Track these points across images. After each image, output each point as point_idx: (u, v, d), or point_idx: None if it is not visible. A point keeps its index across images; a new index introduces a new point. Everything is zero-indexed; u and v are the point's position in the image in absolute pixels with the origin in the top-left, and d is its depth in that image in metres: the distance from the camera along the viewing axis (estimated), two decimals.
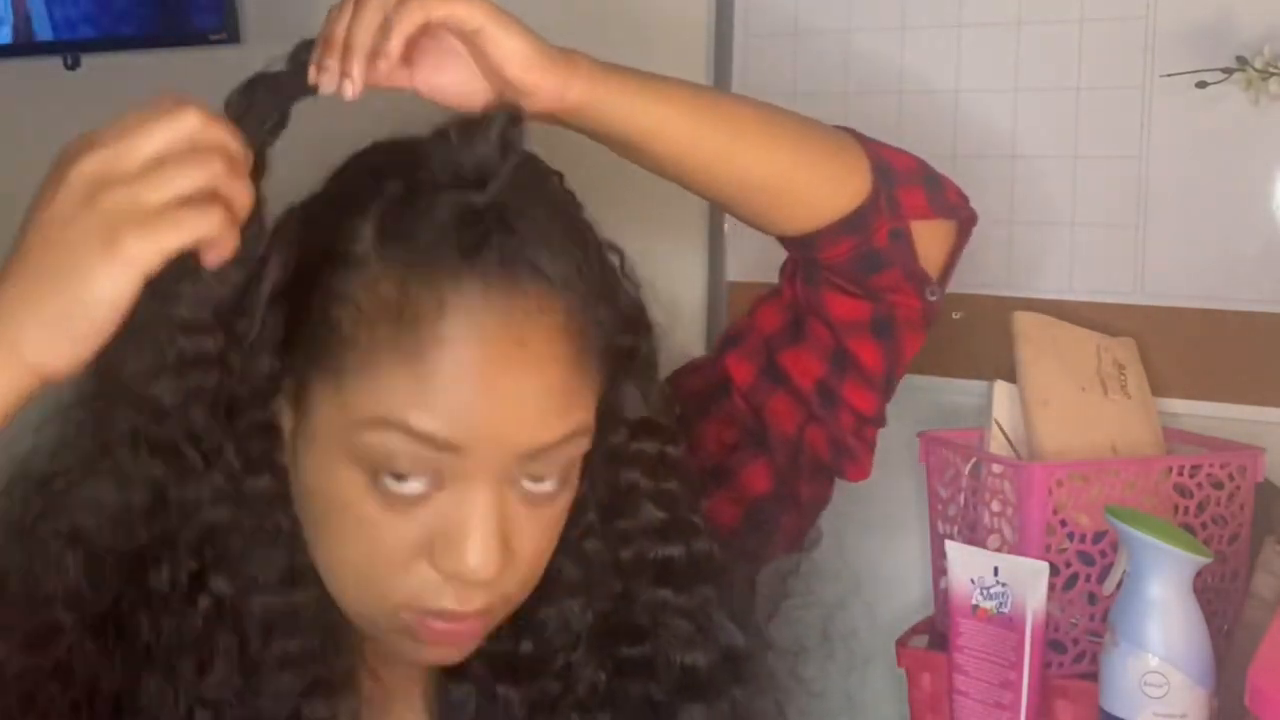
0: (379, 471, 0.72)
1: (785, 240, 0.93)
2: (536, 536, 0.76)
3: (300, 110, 0.77)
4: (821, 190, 0.87)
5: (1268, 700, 0.80)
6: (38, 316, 0.63)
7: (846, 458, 0.96)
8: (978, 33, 1.39)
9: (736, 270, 1.52)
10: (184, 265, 0.67)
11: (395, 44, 0.72)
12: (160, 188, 0.64)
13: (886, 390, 0.96)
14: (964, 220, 0.95)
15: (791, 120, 0.90)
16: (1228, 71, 1.24)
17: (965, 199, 0.95)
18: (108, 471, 0.74)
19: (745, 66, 1.51)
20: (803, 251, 0.92)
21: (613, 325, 0.78)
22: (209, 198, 0.66)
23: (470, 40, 0.75)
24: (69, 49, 1.94)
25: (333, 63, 0.73)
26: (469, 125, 0.72)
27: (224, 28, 1.79)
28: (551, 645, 0.82)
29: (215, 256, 0.67)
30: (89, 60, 1.95)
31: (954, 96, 1.40)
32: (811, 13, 1.47)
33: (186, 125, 0.66)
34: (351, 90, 0.73)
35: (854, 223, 0.88)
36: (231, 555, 0.75)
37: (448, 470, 0.72)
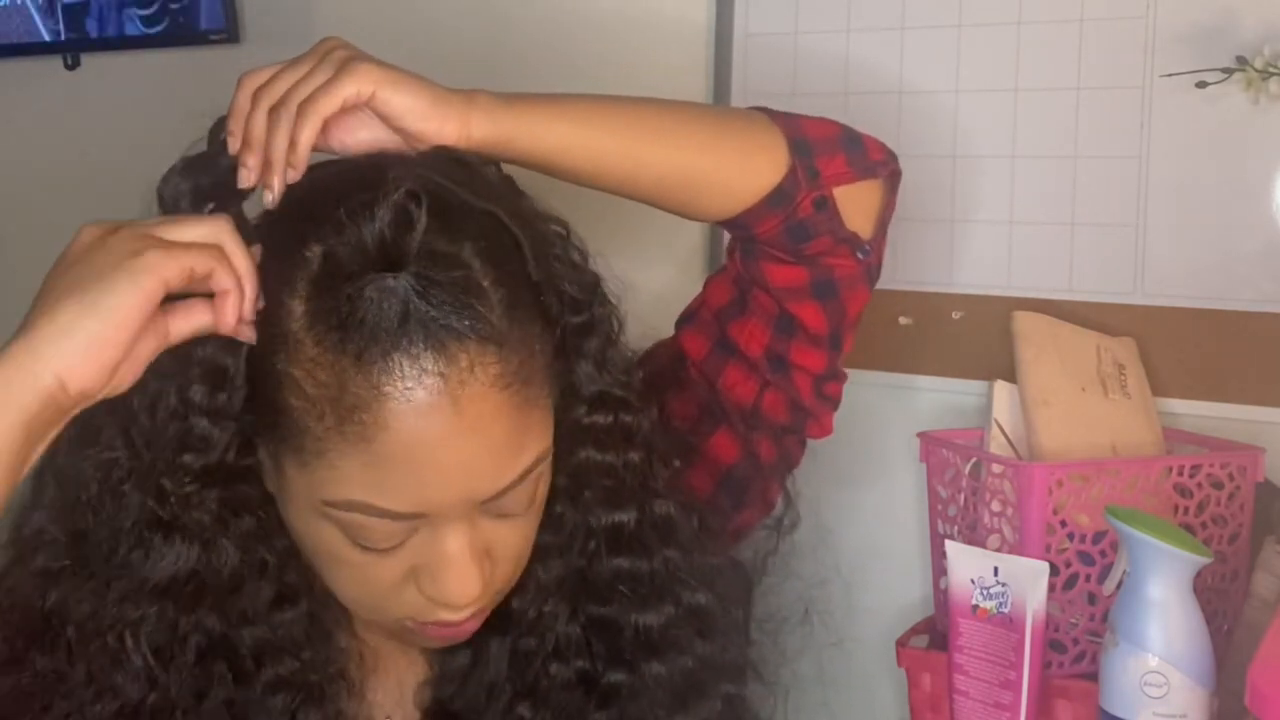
0: (352, 536, 0.77)
1: (719, 223, 0.95)
2: (517, 542, 0.82)
3: None
4: (737, 175, 0.90)
5: (1268, 700, 0.80)
6: (62, 330, 0.70)
7: (807, 418, 0.98)
8: (978, 33, 1.39)
9: None
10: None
11: (302, 157, 0.78)
12: (173, 231, 0.74)
13: (835, 347, 0.97)
14: (888, 177, 0.96)
15: (698, 113, 0.93)
16: (1228, 71, 1.24)
17: (890, 156, 0.96)
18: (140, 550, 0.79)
19: (745, 66, 1.51)
20: (736, 231, 0.95)
21: (558, 322, 0.81)
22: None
23: (368, 106, 0.80)
24: (69, 49, 1.95)
25: (253, 163, 0.79)
26: (363, 205, 0.74)
27: (224, 28, 1.79)
28: (526, 597, 0.87)
29: (229, 304, 0.74)
30: (89, 60, 1.95)
31: (954, 96, 1.40)
32: (811, 13, 1.47)
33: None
34: (271, 201, 0.78)
35: (776, 199, 0.90)
36: (219, 591, 0.80)
37: (417, 522, 0.77)
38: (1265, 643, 0.88)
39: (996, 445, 1.26)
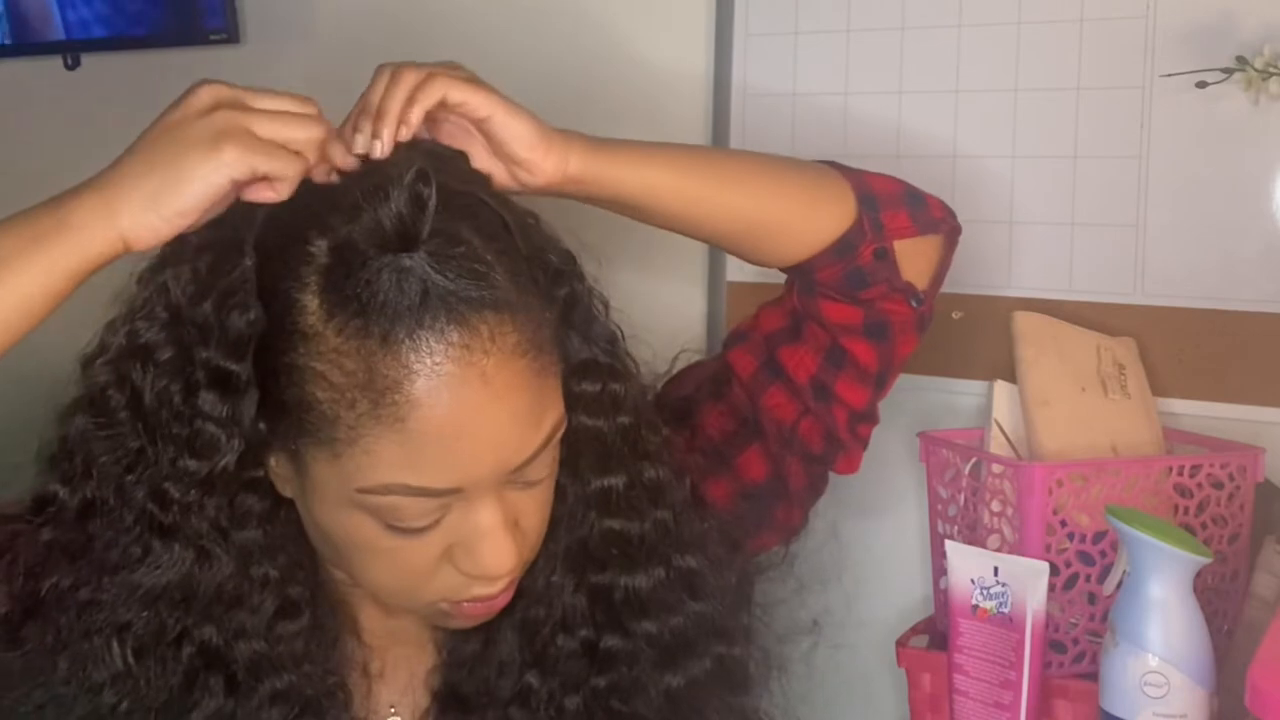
0: (388, 520, 0.79)
1: (783, 269, 0.99)
2: (539, 510, 0.84)
3: None
4: (807, 225, 0.94)
5: (1268, 700, 0.80)
6: (139, 189, 0.75)
7: (838, 451, 1.00)
8: (978, 33, 1.39)
9: (737, 270, 1.52)
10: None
11: (416, 114, 0.81)
12: (269, 127, 0.77)
13: (879, 387, 1.00)
14: (949, 233, 1.01)
15: (774, 165, 0.97)
16: (1228, 71, 1.24)
17: (950, 214, 1.01)
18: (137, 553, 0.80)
19: (745, 67, 1.51)
20: (798, 276, 0.98)
21: (551, 295, 0.84)
22: (298, 153, 0.78)
23: (481, 126, 0.84)
24: (69, 49, 1.94)
25: (367, 126, 0.81)
26: (376, 189, 0.76)
27: (224, 28, 1.79)
28: (534, 569, 0.88)
29: (271, 193, 0.77)
30: (89, 60, 1.95)
31: (954, 96, 1.40)
32: (811, 13, 1.47)
33: (310, 108, 0.80)
34: (380, 150, 0.80)
35: (841, 248, 0.94)
36: (213, 602, 0.81)
37: (451, 499, 0.79)
38: (1265, 643, 0.88)
39: (996, 445, 1.26)
